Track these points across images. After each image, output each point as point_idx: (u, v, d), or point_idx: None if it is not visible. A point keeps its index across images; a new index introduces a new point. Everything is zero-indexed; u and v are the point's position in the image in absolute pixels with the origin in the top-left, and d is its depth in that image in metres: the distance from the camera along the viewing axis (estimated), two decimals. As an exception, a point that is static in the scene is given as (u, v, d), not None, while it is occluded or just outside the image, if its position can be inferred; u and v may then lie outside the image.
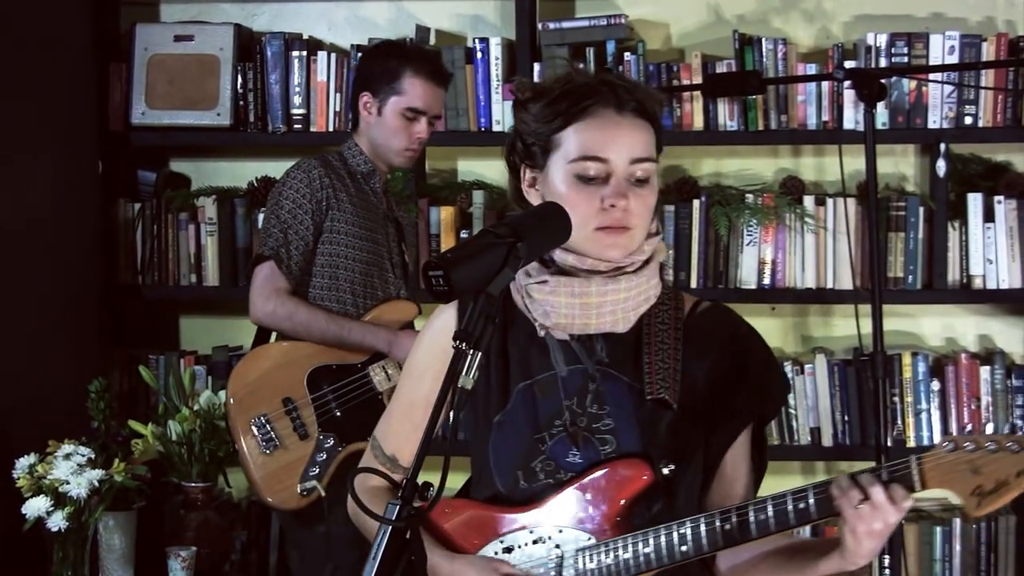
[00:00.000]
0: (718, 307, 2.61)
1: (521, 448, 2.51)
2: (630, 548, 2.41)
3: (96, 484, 4.35)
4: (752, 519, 2.36)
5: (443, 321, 2.60)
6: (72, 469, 4.34)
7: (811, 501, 2.33)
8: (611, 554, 2.42)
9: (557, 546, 2.46)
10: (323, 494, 4.22)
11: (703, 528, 2.37)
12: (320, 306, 4.35)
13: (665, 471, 2.44)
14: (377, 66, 4.44)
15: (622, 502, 2.45)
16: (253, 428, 4.25)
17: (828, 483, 2.33)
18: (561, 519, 2.47)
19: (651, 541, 2.40)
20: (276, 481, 4.26)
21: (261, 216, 4.81)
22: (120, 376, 5.29)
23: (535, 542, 2.47)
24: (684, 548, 2.38)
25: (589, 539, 2.45)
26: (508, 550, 2.49)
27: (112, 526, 4.52)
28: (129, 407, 5.06)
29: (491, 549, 2.50)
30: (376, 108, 4.41)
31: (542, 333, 2.52)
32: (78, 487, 4.32)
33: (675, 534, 2.39)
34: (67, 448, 4.39)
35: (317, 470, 4.25)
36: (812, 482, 2.35)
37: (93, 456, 4.40)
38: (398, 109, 4.39)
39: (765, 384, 2.55)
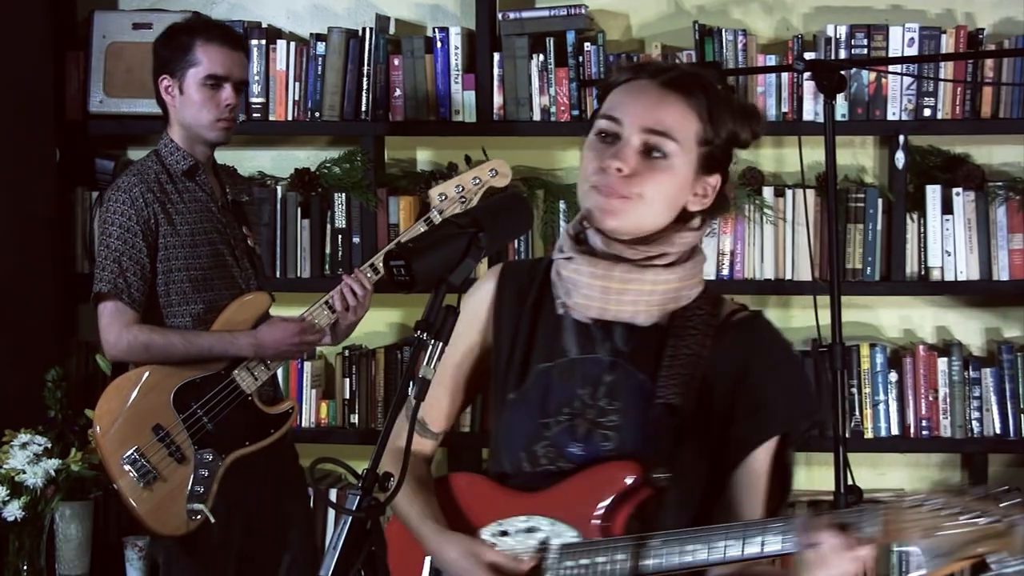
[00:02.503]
0: (757, 318, 2.49)
1: (529, 430, 2.45)
2: (605, 552, 2.33)
3: (52, 473, 4.34)
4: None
5: (483, 291, 2.57)
6: (28, 458, 4.33)
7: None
8: (589, 555, 2.34)
9: (546, 538, 2.40)
10: (212, 520, 4.08)
11: (664, 548, 2.28)
12: (174, 328, 4.20)
13: (657, 478, 2.37)
14: (167, 47, 4.32)
15: (604, 502, 2.37)
16: (127, 465, 4.07)
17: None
18: (554, 511, 2.40)
19: (621, 549, 2.31)
20: (162, 512, 4.09)
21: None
22: (76, 365, 5.26)
23: (528, 530, 2.42)
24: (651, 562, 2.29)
25: (575, 536, 2.38)
26: (504, 534, 2.44)
27: (68, 515, 4.51)
28: (85, 396, 5.03)
29: (489, 531, 2.45)
30: (178, 87, 4.28)
31: (561, 311, 2.46)
32: (34, 476, 4.30)
33: (651, 547, 2.29)
34: (23, 437, 4.38)
35: (201, 488, 4.11)
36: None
37: (49, 445, 4.40)
38: (198, 80, 4.25)
39: (785, 406, 2.40)
